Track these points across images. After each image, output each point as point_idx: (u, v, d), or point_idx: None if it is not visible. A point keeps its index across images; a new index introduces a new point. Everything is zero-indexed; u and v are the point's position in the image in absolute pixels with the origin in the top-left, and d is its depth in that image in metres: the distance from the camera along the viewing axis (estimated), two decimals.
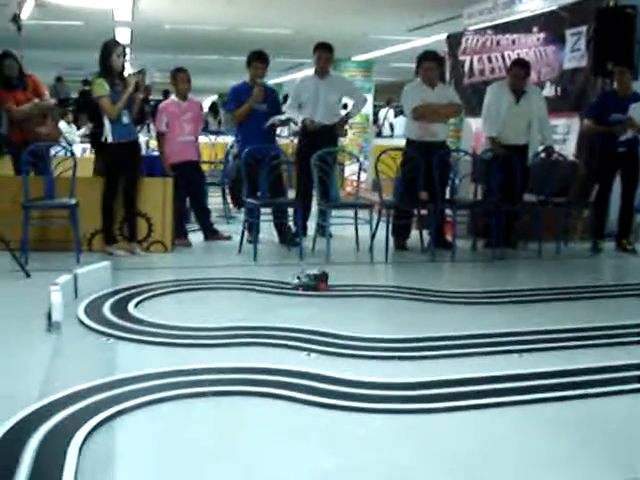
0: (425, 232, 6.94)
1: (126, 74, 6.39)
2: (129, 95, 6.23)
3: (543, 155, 7.29)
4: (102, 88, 6.21)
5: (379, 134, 15.10)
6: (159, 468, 2.67)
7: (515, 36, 9.12)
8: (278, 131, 11.21)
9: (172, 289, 5.26)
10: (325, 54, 7.32)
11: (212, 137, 11.15)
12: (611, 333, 4.42)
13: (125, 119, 6.29)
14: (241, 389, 3.38)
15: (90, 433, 2.85)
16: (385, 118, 15.74)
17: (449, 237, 6.98)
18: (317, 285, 5.23)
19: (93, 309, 4.59)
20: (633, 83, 7.26)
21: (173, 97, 7.21)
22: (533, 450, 2.89)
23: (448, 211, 7.17)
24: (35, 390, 3.28)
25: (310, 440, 2.94)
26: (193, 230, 7.36)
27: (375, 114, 16.56)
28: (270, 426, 3.05)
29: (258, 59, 7.10)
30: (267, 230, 7.12)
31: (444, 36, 10.71)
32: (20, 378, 3.48)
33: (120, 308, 4.62)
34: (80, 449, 2.70)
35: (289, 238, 6.91)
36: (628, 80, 7.17)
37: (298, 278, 5.26)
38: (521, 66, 7.33)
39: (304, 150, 7.25)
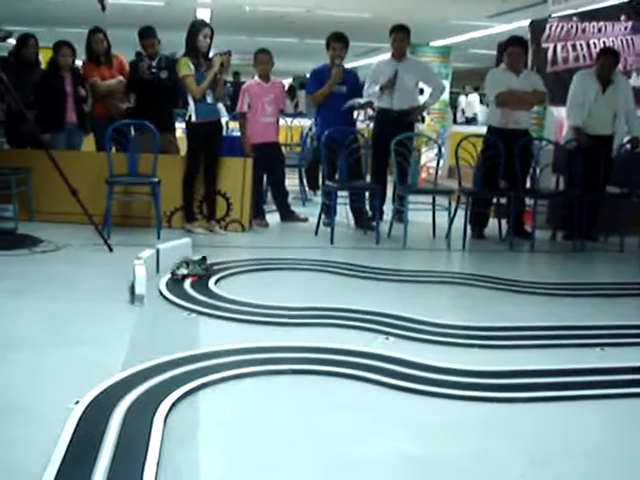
0: (503, 221, 6.84)
1: (211, 55, 6.45)
2: (214, 75, 6.30)
3: (628, 146, 7.09)
4: (187, 67, 6.28)
5: (455, 120, 14.93)
6: (241, 441, 2.71)
7: (601, 24, 8.86)
8: (355, 115, 11.23)
9: (250, 268, 5.32)
10: (401, 35, 7.24)
11: (289, 120, 11.19)
12: None
13: (209, 99, 6.36)
14: (320, 368, 3.41)
15: (174, 404, 2.92)
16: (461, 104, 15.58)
17: (528, 227, 6.86)
18: (208, 269, 4.98)
19: (175, 284, 4.68)
20: None
21: (256, 78, 7.25)
22: (615, 445, 2.85)
23: (528, 201, 7.05)
24: (120, 360, 3.37)
25: (390, 423, 2.94)
26: (270, 211, 7.42)
27: (451, 101, 16.40)
28: (349, 407, 3.07)
29: (337, 40, 7.09)
30: (343, 214, 7.12)
31: (526, 22, 10.45)
32: (105, 348, 3.57)
33: (201, 284, 4.70)
34: (165, 419, 2.77)
35: (365, 222, 6.90)
36: None
37: (179, 267, 4.88)
38: (611, 55, 7.14)
39: (380, 134, 7.21)
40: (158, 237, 6.03)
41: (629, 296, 5.15)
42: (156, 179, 6.23)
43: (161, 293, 4.49)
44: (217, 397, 3.09)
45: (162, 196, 6.27)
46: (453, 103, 16.78)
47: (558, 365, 3.56)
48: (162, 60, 7.00)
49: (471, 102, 15.47)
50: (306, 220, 7.22)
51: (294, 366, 3.40)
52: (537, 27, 10.04)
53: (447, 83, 14.58)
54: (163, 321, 4.10)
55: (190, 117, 6.38)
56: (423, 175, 10.59)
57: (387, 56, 7.55)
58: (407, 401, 3.15)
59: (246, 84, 7.47)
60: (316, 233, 6.64)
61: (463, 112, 15.36)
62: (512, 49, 6.96)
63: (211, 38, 6.36)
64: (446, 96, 13.43)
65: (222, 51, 6.50)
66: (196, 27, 6.36)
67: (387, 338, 3.89)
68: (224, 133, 7.13)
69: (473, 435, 2.87)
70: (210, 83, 6.30)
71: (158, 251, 4.99)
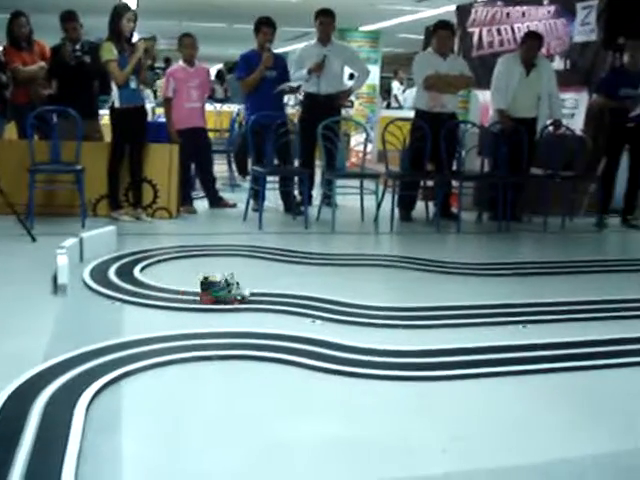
0: (431, 204, 6.92)
1: (135, 40, 6.34)
2: (137, 60, 6.19)
3: (551, 129, 7.25)
4: (110, 52, 6.17)
5: (388, 106, 15.00)
6: (165, 429, 2.68)
7: (525, 8, 9.03)
8: (285, 100, 11.20)
9: (177, 255, 5.27)
10: (326, 19, 7.24)
11: (218, 105, 11.10)
12: (614, 307, 4.42)
13: (133, 84, 6.25)
14: (246, 353, 3.39)
15: (97, 394, 2.87)
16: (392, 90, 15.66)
17: (455, 209, 6.97)
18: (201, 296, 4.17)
19: (99, 273, 4.60)
20: None
21: (180, 63, 7.16)
22: (534, 418, 2.92)
23: (454, 183, 7.15)
24: (41, 351, 3.29)
25: (315, 406, 2.95)
26: (198, 197, 7.35)
27: (382, 86, 16.46)
28: (275, 392, 3.07)
29: (267, 24, 7.05)
30: (272, 199, 7.11)
31: (453, 7, 10.60)
32: (26, 340, 3.48)
33: (125, 272, 4.64)
34: (87, 409, 2.72)
35: (294, 207, 6.90)
36: None
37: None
38: (535, 38, 7.27)
39: (307, 119, 7.22)
40: (83, 226, 5.91)
41: (552, 274, 5.28)
42: (80, 167, 6.10)
43: (85, 282, 4.41)
44: (141, 385, 3.05)
45: (87, 184, 6.15)
46: (386, 88, 16.83)
47: (481, 343, 3.62)
48: (85, 45, 6.85)
49: (407, 98, 15.58)
50: (234, 206, 7.19)
51: (221, 352, 3.38)
52: (463, 12, 10.18)
53: (377, 68, 14.71)
54: (87, 310, 4.03)
55: (113, 103, 6.27)
56: (353, 159, 10.65)
57: (313, 41, 7.53)
58: (334, 383, 3.16)
59: (170, 69, 7.39)
60: (245, 219, 6.61)
61: (396, 98, 15.42)
62: (440, 32, 7.04)
63: (134, 22, 6.25)
64: (375, 81, 13.52)
65: (146, 36, 6.41)
66: (119, 11, 6.23)
67: (314, 321, 3.90)
68: (150, 119, 7.02)
69: (397, 414, 2.90)
70: (133, 68, 6.20)
71: (81, 240, 4.90)
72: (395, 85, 15.30)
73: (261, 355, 3.38)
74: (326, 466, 2.48)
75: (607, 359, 3.55)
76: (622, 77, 7.14)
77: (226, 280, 4.12)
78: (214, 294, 4.10)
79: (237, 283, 4.16)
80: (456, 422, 2.84)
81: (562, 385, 3.27)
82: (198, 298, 4.11)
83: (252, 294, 4.21)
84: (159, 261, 5.04)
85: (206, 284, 4.11)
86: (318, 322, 3.89)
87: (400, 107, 13.86)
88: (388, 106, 14.71)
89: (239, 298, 4.13)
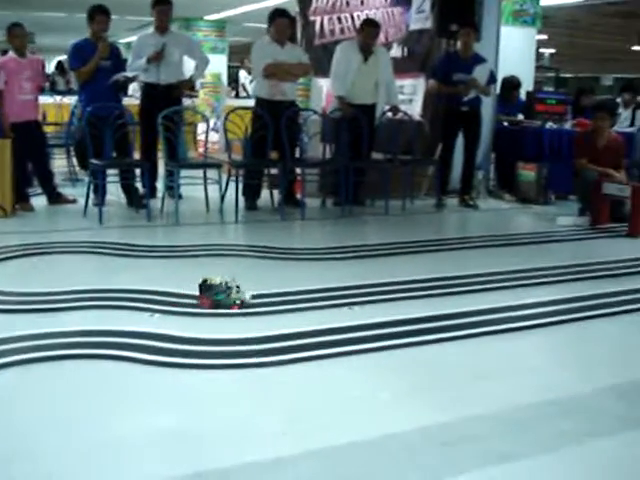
0: (276, 191, 6.96)
1: None
2: None
3: (389, 114, 7.44)
4: None
5: (237, 95, 14.95)
6: None
7: None
8: (130, 91, 10.93)
9: (13, 254, 5.04)
10: (163, 7, 7.13)
11: (58, 97, 10.70)
12: (450, 283, 4.62)
13: None
14: (83, 352, 3.32)
15: None
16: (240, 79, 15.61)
17: (299, 196, 7.04)
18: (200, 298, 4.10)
19: None
20: (475, 44, 7.52)
21: (11, 54, 6.84)
22: (368, 396, 3.01)
23: (299, 170, 7.22)
24: None
25: (151, 400, 2.93)
26: (36, 194, 7.07)
27: (231, 75, 16.39)
28: (111, 389, 3.02)
29: (101, 12, 6.84)
30: (115, 192, 6.93)
31: None
32: None
33: None
34: None
35: (136, 200, 6.75)
36: (472, 41, 7.42)
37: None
38: (373, 26, 7.42)
39: (147, 109, 7.08)
40: None
41: (393, 255, 5.43)
42: None
43: None
44: None
45: None
46: (234, 77, 16.76)
47: (317, 326, 3.68)
48: None
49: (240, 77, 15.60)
50: (75, 201, 6.94)
51: (58, 352, 3.28)
52: (304, 0, 10.26)
53: (224, 57, 14.63)
54: None
55: None
56: (200, 150, 10.53)
57: (150, 30, 7.39)
58: (171, 376, 3.14)
59: (0, 60, 7.02)
60: (85, 214, 6.40)
61: (244, 87, 15.37)
62: (279, 20, 7.04)
63: None
64: (222, 70, 13.45)
65: None
66: None
67: (152, 315, 3.85)
68: None
69: (234, 402, 2.93)
70: None
71: None
72: (242, 74, 15.28)
73: (99, 353, 3.32)
74: (154, 460, 2.46)
75: (437, 334, 3.71)
76: (455, 63, 7.43)
77: None
78: None
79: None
80: (293, 404, 2.91)
81: (393, 362, 3.40)
82: (32, 298, 3.97)
83: (87, 291, 4.10)
84: None
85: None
86: (156, 315, 3.84)
87: (248, 96, 13.84)
88: (237, 95, 14.66)
89: None
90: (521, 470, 2.48)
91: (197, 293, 4.05)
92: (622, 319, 4.17)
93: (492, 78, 7.61)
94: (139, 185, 6.81)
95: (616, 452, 2.62)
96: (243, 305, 3.98)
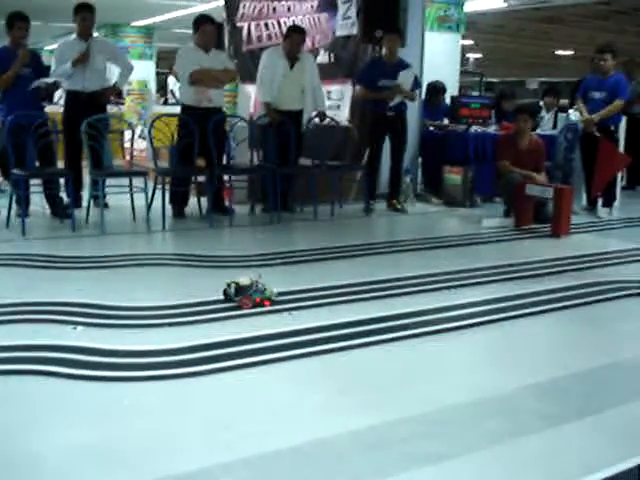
0: (204, 199, 6.90)
1: None
2: None
3: (317, 120, 7.46)
4: None
5: (166, 102, 14.76)
6: None
7: (290, 3, 9.22)
8: (56, 99, 10.68)
9: None
10: (86, 14, 7.02)
11: None
12: (382, 286, 4.66)
13: None
14: (4, 368, 3.23)
15: None
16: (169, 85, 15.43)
17: (228, 203, 6.99)
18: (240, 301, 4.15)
19: None
20: (400, 50, 7.60)
21: None
22: (297, 402, 3.02)
23: (227, 177, 7.18)
24: None
25: (70, 415, 2.86)
26: None
27: (160, 82, 16.20)
28: (30, 404, 2.94)
29: (21, 19, 6.70)
30: (39, 202, 6.77)
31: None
32: None
33: None
34: None
35: (61, 210, 6.61)
36: (397, 47, 7.50)
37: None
38: (299, 32, 7.43)
39: (70, 117, 6.95)
40: None
41: (322, 260, 5.44)
42: None
43: None
44: None
45: None
46: (162, 84, 16.57)
47: (246, 334, 3.67)
48: None
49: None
50: None
51: None
52: (231, 6, 10.21)
53: (152, 64, 14.44)
54: None
55: None
56: (128, 157, 10.39)
57: (72, 36, 7.26)
58: (90, 390, 3.09)
59: None
60: (7, 226, 6.23)
61: (172, 93, 15.19)
62: (205, 27, 6.99)
63: None
64: (149, 76, 13.28)
65: None
66: None
67: (75, 327, 3.77)
68: None
69: (157, 415, 2.88)
70: None
71: None
72: (171, 80, 15.10)
73: (18, 368, 3.23)
74: (74, 477, 2.40)
75: (366, 337, 3.73)
76: (380, 69, 7.49)
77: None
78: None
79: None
80: (219, 414, 2.88)
81: (322, 367, 3.40)
82: None
83: (9, 305, 3.99)
84: None
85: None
86: (80, 328, 3.77)
87: (177, 102, 13.70)
88: (165, 102, 14.49)
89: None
90: (445, 471, 2.50)
91: (119, 304, 4.00)
92: (546, 318, 4.26)
93: (416, 83, 7.71)
94: (63, 195, 6.67)
95: (536, 450, 2.67)
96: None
